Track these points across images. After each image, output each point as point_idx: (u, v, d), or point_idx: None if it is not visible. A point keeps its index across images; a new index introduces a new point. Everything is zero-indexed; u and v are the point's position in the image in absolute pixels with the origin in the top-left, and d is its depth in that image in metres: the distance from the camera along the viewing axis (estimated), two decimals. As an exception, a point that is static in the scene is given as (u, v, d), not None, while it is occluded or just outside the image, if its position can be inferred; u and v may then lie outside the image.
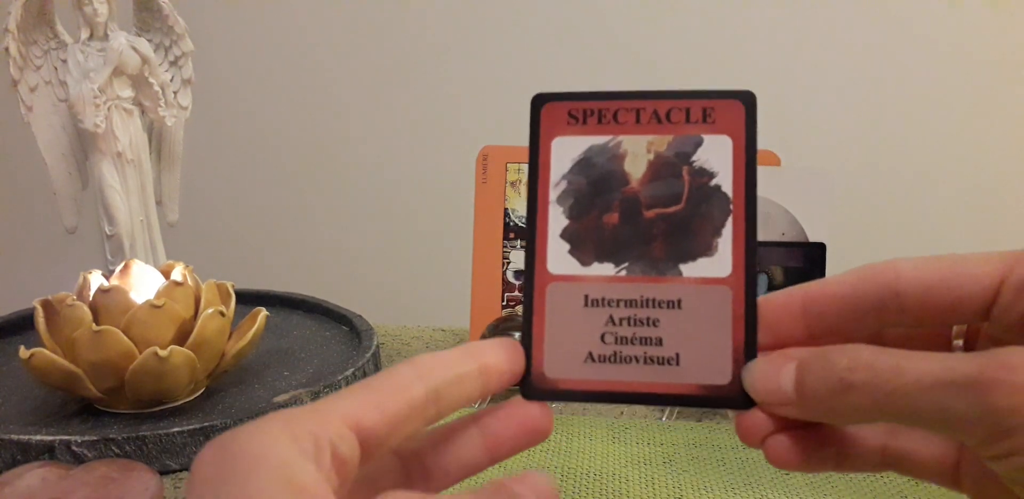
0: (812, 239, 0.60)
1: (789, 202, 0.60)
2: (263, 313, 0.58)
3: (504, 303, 0.65)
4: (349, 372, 0.58)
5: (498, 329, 0.58)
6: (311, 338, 0.68)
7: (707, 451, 0.52)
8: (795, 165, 0.63)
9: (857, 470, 0.26)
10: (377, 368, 0.64)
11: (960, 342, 0.26)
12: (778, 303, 0.25)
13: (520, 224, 0.65)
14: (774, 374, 0.23)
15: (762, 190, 0.60)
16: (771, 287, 0.58)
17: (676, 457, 0.51)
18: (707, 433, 0.54)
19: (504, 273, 0.65)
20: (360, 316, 0.69)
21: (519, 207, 0.65)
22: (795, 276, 0.58)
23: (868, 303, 0.24)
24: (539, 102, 0.27)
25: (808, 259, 0.58)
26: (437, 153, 1.11)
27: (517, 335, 0.29)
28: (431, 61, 1.09)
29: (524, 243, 0.27)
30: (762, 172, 0.61)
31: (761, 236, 0.61)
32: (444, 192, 1.09)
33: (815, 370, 0.23)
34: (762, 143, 0.67)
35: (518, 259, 0.65)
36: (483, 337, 0.59)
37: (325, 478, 0.19)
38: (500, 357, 0.25)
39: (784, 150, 0.64)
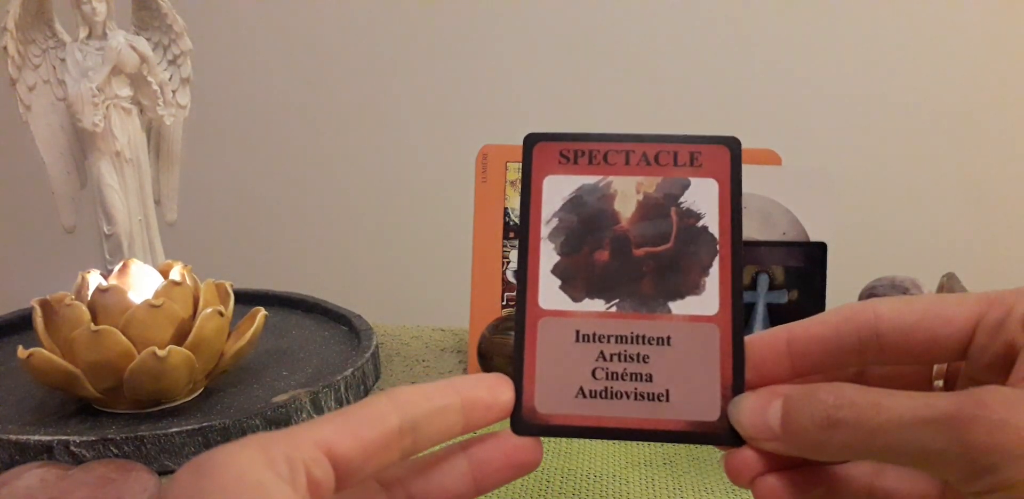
0: (813, 238, 0.60)
1: (790, 201, 0.60)
2: (262, 313, 0.58)
3: (504, 303, 0.65)
4: (348, 372, 0.58)
5: (498, 329, 0.58)
6: (310, 338, 0.68)
7: (707, 452, 0.52)
8: (796, 164, 0.63)
9: None
10: (376, 368, 0.64)
11: (940, 382, 0.27)
12: (763, 342, 0.25)
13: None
14: (761, 409, 0.24)
15: (763, 189, 0.60)
16: (772, 287, 0.58)
17: (677, 458, 0.51)
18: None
19: (504, 272, 0.65)
20: (359, 316, 0.69)
21: (519, 206, 0.65)
22: (796, 275, 0.58)
23: (850, 343, 0.25)
24: (531, 141, 0.28)
25: (809, 259, 0.58)
26: (437, 152, 1.11)
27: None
28: (431, 60, 1.09)
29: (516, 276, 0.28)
30: (763, 171, 0.61)
31: (762, 235, 0.61)
32: (444, 191, 1.09)
33: (801, 406, 0.23)
34: (763, 142, 0.67)
35: (518, 259, 0.64)
36: (483, 337, 0.59)
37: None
38: (485, 391, 0.25)
39: (785, 149, 0.64)
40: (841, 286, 0.61)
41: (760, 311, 0.58)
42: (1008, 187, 1.03)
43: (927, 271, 0.59)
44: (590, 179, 0.27)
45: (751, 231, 0.60)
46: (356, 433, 0.22)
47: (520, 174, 0.64)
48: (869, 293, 0.58)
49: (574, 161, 0.27)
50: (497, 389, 0.25)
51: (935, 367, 0.27)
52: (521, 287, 0.27)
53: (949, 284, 0.54)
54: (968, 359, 0.24)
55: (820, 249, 0.59)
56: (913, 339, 0.24)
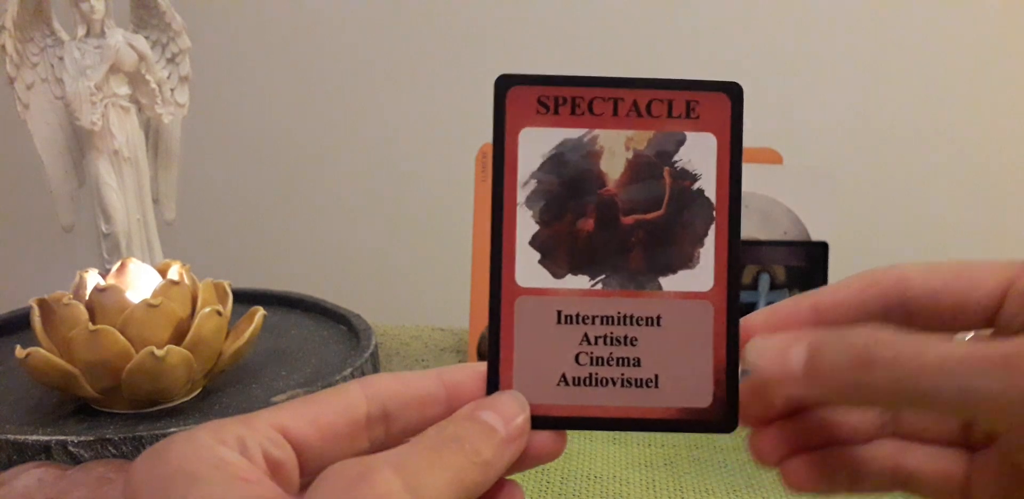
0: (814, 238, 0.60)
1: (791, 200, 0.60)
2: (260, 312, 0.58)
3: (504, 302, 0.64)
4: (347, 372, 0.57)
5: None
6: (309, 337, 0.68)
7: (708, 453, 0.52)
8: (797, 163, 0.63)
9: (870, 491, 0.25)
10: (375, 368, 0.64)
11: None
12: (786, 312, 0.24)
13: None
14: (783, 349, 0.22)
15: (764, 188, 0.60)
16: (773, 286, 0.58)
17: (677, 459, 0.51)
18: (708, 434, 0.54)
19: (504, 272, 0.64)
20: (358, 315, 0.69)
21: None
22: (797, 275, 0.58)
23: (875, 309, 0.24)
24: (504, 85, 0.24)
25: (810, 258, 0.58)
26: (436, 151, 1.10)
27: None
28: (430, 58, 1.09)
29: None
30: (764, 170, 0.61)
31: (763, 235, 0.61)
32: (444, 190, 1.08)
33: (832, 345, 0.22)
34: (764, 141, 0.67)
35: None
36: (482, 336, 0.59)
37: (259, 470, 0.20)
38: (477, 382, 0.24)
39: (786, 148, 0.64)
40: (842, 286, 0.60)
41: (761, 311, 0.58)
42: (1010, 187, 1.02)
43: (929, 271, 0.59)
44: (573, 133, 0.24)
45: (752, 230, 0.60)
46: (314, 418, 0.22)
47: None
48: (870, 293, 0.58)
49: (554, 110, 0.24)
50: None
51: (957, 336, 0.26)
52: (495, 261, 0.25)
53: (951, 284, 0.53)
54: (996, 326, 0.23)
55: (821, 248, 0.58)
56: (940, 303, 0.23)
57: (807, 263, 0.58)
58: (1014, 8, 0.97)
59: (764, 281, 0.58)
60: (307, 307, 0.74)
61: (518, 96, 0.25)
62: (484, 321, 0.63)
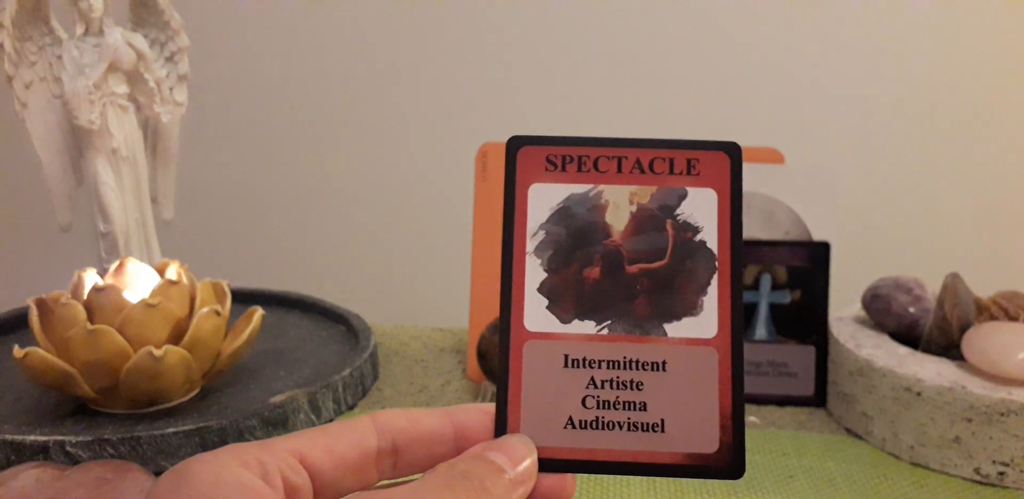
0: (816, 238, 0.60)
1: (793, 200, 0.60)
2: (259, 312, 0.58)
3: (503, 302, 0.64)
4: (346, 372, 0.57)
5: (498, 329, 0.58)
6: (308, 338, 0.68)
7: (709, 453, 0.52)
8: (799, 163, 0.62)
9: None
10: (375, 368, 0.63)
11: None
12: None
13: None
14: None
15: (766, 188, 0.60)
16: (774, 286, 0.58)
17: (678, 459, 0.51)
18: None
19: (504, 272, 0.64)
20: (358, 315, 0.69)
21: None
22: (799, 275, 0.58)
23: None
24: (515, 145, 0.26)
25: (812, 258, 0.58)
26: (436, 150, 1.10)
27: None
28: (430, 57, 1.08)
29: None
30: (766, 170, 0.61)
31: (764, 235, 0.61)
32: (443, 190, 1.08)
33: None
34: (766, 140, 0.66)
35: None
36: (483, 337, 0.59)
37: (278, 495, 0.21)
38: (485, 423, 0.24)
39: (788, 148, 0.63)
40: (844, 286, 0.60)
41: (763, 311, 0.58)
42: (1013, 187, 1.02)
43: (931, 271, 0.59)
44: (579, 188, 0.26)
45: (753, 230, 0.60)
46: (329, 447, 0.22)
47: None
48: (873, 293, 0.58)
49: (562, 168, 0.26)
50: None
51: None
52: (505, 307, 0.25)
53: (953, 284, 0.53)
54: None
55: (823, 249, 0.58)
56: None
57: (809, 263, 0.58)
58: (1015, 7, 0.97)
59: (765, 281, 0.58)
60: (306, 307, 0.73)
61: (528, 155, 0.26)
62: (484, 321, 0.62)
